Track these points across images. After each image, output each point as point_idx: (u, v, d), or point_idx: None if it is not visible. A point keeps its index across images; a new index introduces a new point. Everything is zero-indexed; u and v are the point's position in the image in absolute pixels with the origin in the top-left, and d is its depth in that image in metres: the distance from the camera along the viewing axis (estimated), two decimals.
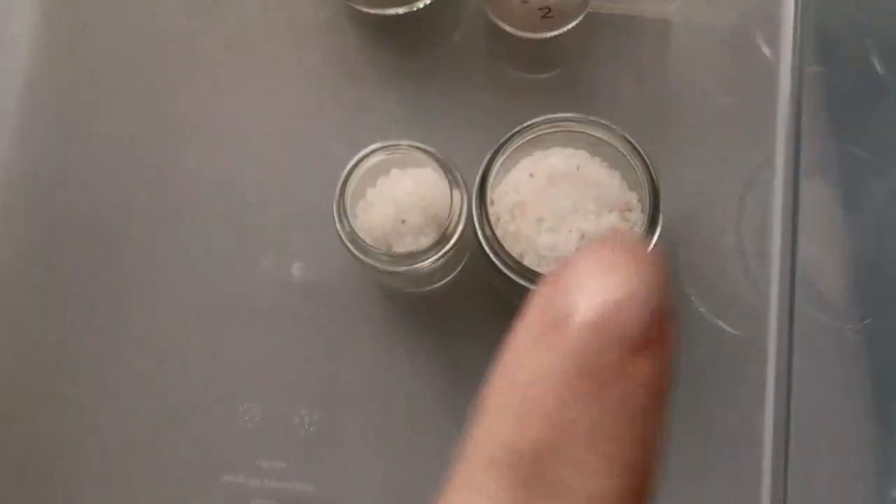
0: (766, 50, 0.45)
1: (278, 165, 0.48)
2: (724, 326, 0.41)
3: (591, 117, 0.39)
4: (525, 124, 0.39)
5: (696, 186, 0.45)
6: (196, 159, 0.48)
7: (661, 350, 0.17)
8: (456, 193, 0.40)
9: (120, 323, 0.46)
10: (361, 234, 0.41)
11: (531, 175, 0.41)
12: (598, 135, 0.39)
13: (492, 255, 0.39)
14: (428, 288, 0.45)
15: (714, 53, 0.47)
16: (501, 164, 0.41)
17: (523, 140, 0.39)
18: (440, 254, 0.39)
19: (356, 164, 0.40)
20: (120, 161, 0.48)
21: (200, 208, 0.47)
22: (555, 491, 0.16)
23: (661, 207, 0.38)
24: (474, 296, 0.45)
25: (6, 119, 0.49)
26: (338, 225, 0.40)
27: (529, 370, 0.18)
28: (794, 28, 0.39)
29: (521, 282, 0.38)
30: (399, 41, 0.49)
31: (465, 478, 0.17)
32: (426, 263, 0.39)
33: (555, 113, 0.47)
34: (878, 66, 0.40)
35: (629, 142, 0.38)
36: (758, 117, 0.42)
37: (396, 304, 0.46)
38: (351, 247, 0.41)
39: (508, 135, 0.39)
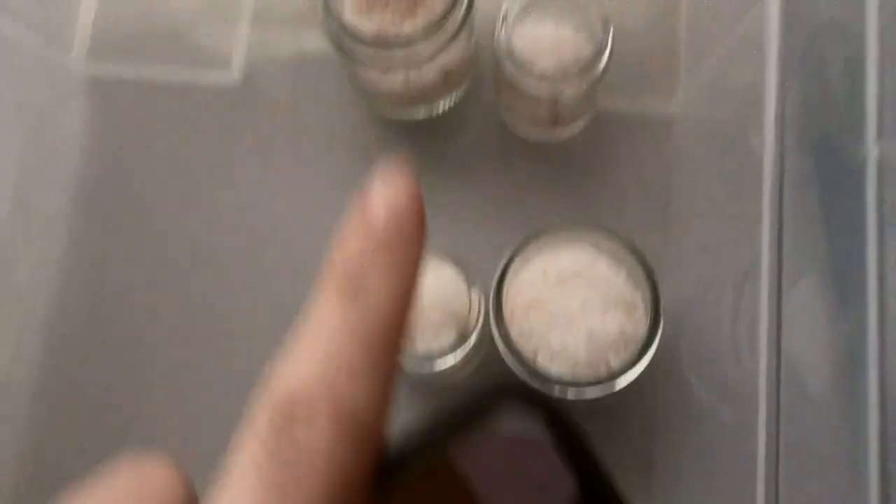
0: (754, 142, 0.47)
1: (308, 258, 0.51)
2: (721, 409, 0.44)
3: (598, 225, 0.42)
4: (538, 230, 0.42)
5: (697, 275, 0.47)
6: (234, 256, 0.52)
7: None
8: (474, 295, 0.43)
9: (161, 422, 0.50)
10: None
11: (543, 273, 0.44)
12: (606, 241, 0.42)
13: (505, 355, 0.42)
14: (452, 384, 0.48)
15: (712, 148, 0.50)
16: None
17: (536, 243, 0.43)
18: (459, 355, 0.42)
19: None
20: (164, 258, 0.52)
21: (234, 299, 0.51)
22: None
23: (664, 297, 0.41)
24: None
25: (59, 219, 0.53)
26: None
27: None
28: (777, 120, 0.40)
29: (534, 383, 0.41)
30: (419, 142, 0.53)
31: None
32: (447, 366, 0.43)
33: (564, 208, 0.50)
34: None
35: (634, 250, 0.41)
36: (750, 211, 0.44)
37: (421, 397, 0.49)
38: None
39: (523, 240, 0.42)
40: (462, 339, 0.42)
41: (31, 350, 0.51)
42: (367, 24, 0.47)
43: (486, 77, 0.52)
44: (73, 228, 0.53)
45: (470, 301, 0.43)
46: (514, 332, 0.43)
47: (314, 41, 0.54)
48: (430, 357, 0.43)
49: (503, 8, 0.45)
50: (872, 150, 0.30)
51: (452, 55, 0.46)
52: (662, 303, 0.41)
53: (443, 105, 0.52)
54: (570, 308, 0.42)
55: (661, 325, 0.40)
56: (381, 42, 0.44)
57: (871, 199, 0.30)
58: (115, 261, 0.53)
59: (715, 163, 0.49)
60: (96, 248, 0.53)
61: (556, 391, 0.40)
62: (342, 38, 0.45)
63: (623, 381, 0.40)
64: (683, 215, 0.49)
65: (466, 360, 0.44)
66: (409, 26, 0.47)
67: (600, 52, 0.44)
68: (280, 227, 0.52)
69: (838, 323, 0.39)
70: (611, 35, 0.44)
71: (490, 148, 0.52)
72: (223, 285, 0.52)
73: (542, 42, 0.47)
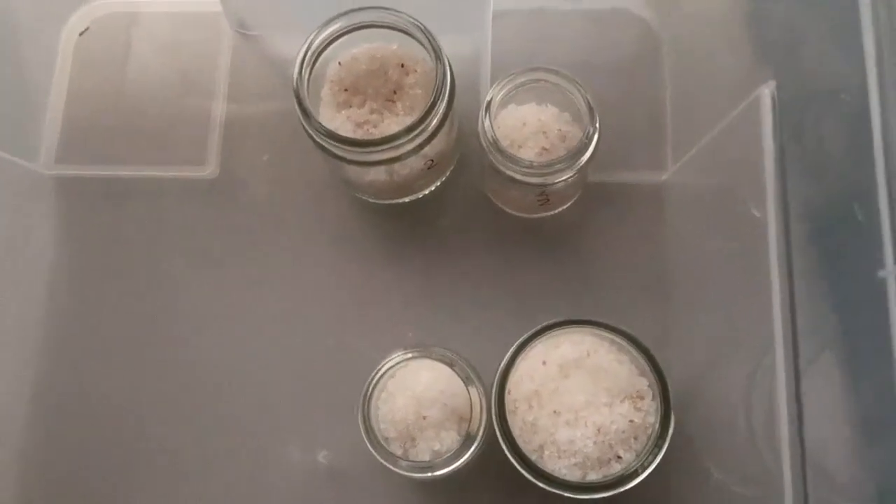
0: (755, 212, 0.46)
1: (294, 352, 0.50)
2: (741, 492, 0.43)
3: (597, 320, 0.41)
4: (538, 328, 0.41)
5: (702, 354, 0.46)
6: (214, 348, 0.50)
7: None
8: (474, 394, 0.42)
9: None
10: (384, 426, 0.42)
11: (544, 363, 0.43)
12: (607, 335, 0.41)
13: (510, 455, 0.40)
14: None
15: (707, 216, 0.49)
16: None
17: (538, 340, 0.41)
18: (463, 459, 0.41)
19: (378, 376, 0.42)
20: (143, 358, 0.50)
21: (219, 398, 0.49)
22: None
23: (669, 378, 0.40)
24: (501, 475, 0.46)
25: (31, 329, 0.51)
26: (361, 428, 0.42)
27: None
28: (778, 194, 0.39)
29: (540, 483, 0.40)
30: (404, 226, 0.51)
31: None
32: (448, 470, 0.41)
33: (559, 288, 0.49)
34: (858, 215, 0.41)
35: (636, 343, 0.40)
36: (756, 286, 0.43)
37: (425, 488, 0.47)
38: (372, 450, 0.42)
39: (526, 337, 0.41)
40: (468, 438, 0.41)
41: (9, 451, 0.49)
42: (343, 120, 0.46)
43: (468, 156, 0.51)
44: (48, 330, 0.51)
45: (471, 397, 0.42)
46: (516, 427, 0.41)
47: (291, 133, 0.53)
48: (434, 459, 0.41)
49: (487, 97, 0.44)
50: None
51: (436, 145, 0.45)
52: (670, 390, 0.40)
53: (425, 191, 0.51)
54: (576, 402, 0.41)
55: (673, 419, 0.39)
56: (362, 142, 0.43)
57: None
58: (90, 362, 0.51)
59: (711, 236, 0.48)
60: (70, 350, 0.51)
61: (566, 493, 0.39)
62: (322, 138, 0.44)
63: (637, 480, 0.38)
64: (682, 291, 0.48)
65: (469, 459, 0.42)
66: (391, 118, 0.46)
67: (588, 140, 0.43)
68: (264, 321, 0.50)
69: (855, 397, 0.38)
70: (597, 123, 0.43)
71: (479, 228, 0.51)
72: (204, 383, 0.50)
73: (527, 125, 0.46)
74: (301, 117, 0.43)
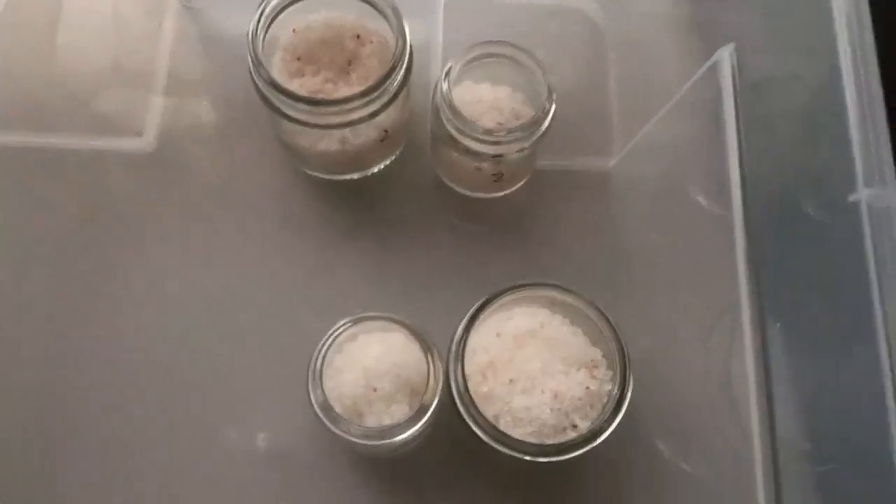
0: (701, 199, 0.48)
1: (237, 333, 0.47)
2: (693, 471, 0.43)
3: (556, 283, 0.41)
4: (497, 292, 0.41)
5: (654, 330, 0.47)
6: (153, 328, 0.47)
7: None
8: (431, 362, 0.41)
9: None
10: (331, 403, 0.41)
11: (498, 335, 0.42)
12: (567, 300, 0.41)
13: (469, 421, 0.39)
14: (402, 451, 0.45)
15: (653, 201, 0.50)
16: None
17: (493, 307, 0.41)
18: (418, 426, 0.39)
19: (330, 340, 0.41)
20: (74, 338, 0.47)
21: (157, 380, 0.46)
22: None
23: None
24: (447, 455, 0.45)
25: None
26: (311, 396, 0.40)
27: None
28: (740, 183, 0.40)
29: (496, 445, 0.39)
30: (355, 203, 0.50)
31: None
32: (404, 437, 0.39)
33: (509, 266, 0.49)
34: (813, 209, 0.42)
35: (596, 308, 0.40)
36: (708, 266, 0.44)
37: (367, 468, 0.45)
38: (324, 418, 0.40)
39: (481, 302, 0.41)
40: (421, 410, 0.40)
41: None
42: (296, 88, 0.45)
43: (419, 138, 0.51)
44: None
45: (428, 373, 0.40)
46: (471, 396, 0.40)
47: (235, 104, 0.52)
48: (385, 430, 0.40)
49: (446, 66, 0.44)
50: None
51: (390, 115, 0.45)
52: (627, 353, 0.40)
53: (377, 166, 0.50)
54: (532, 370, 0.41)
55: (631, 382, 0.39)
56: (317, 100, 0.42)
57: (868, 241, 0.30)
58: (18, 341, 0.47)
59: (658, 218, 0.49)
60: (9, 327, 0.47)
61: (526, 455, 0.38)
62: (274, 96, 0.42)
63: (598, 441, 0.38)
64: (632, 270, 0.49)
65: (422, 430, 0.41)
66: (345, 88, 0.45)
67: (545, 113, 0.43)
68: (205, 301, 0.48)
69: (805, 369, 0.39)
70: (554, 96, 0.44)
71: (429, 207, 0.50)
72: (140, 365, 0.47)
73: (483, 102, 0.46)
74: (252, 70, 0.42)
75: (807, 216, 0.38)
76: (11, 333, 0.47)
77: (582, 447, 0.38)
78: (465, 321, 0.40)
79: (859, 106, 0.29)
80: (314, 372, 0.40)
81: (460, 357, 0.39)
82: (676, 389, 0.44)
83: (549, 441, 0.39)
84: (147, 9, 0.54)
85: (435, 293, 0.48)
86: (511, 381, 0.41)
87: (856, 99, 0.30)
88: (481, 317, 0.41)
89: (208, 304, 0.48)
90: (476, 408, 0.39)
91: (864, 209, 0.29)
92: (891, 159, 0.29)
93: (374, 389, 0.41)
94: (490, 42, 0.45)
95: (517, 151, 0.44)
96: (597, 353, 0.42)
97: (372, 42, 0.46)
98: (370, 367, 0.41)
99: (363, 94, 0.42)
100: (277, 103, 0.43)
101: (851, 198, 0.30)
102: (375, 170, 0.50)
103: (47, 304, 0.47)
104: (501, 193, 0.50)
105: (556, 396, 0.40)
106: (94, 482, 0.45)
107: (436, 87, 0.44)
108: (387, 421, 0.41)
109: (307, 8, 0.45)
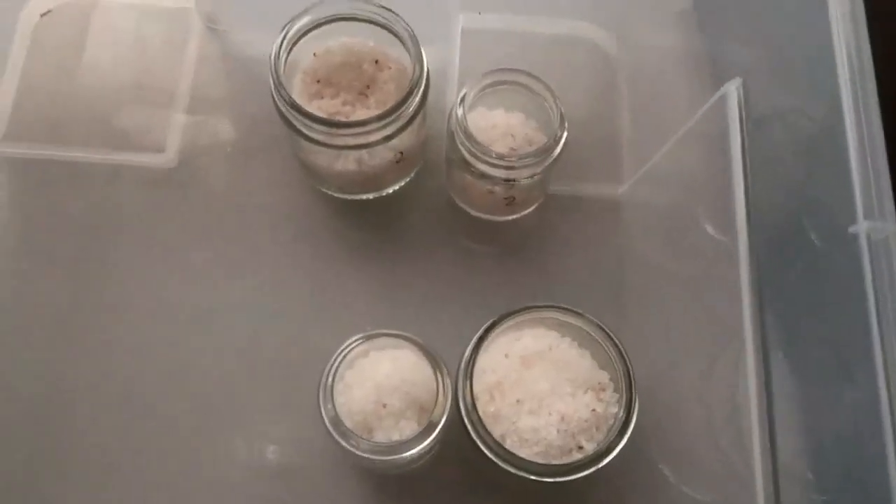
0: (708, 227, 0.48)
1: (250, 347, 0.48)
2: (697, 496, 0.43)
3: (565, 305, 0.42)
4: (506, 313, 0.42)
5: (661, 358, 0.47)
6: (167, 341, 0.48)
7: None
8: (440, 380, 0.41)
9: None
10: (341, 418, 0.41)
11: (506, 356, 0.43)
12: (574, 322, 0.42)
13: (476, 440, 0.40)
14: (409, 469, 0.45)
15: (661, 229, 0.51)
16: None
17: (503, 327, 0.42)
18: (426, 443, 0.40)
19: (342, 356, 0.41)
20: (89, 348, 0.48)
21: (169, 392, 0.47)
22: None
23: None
24: (454, 473, 0.46)
25: None
26: (322, 411, 0.41)
27: None
28: (745, 213, 0.41)
29: (503, 465, 0.39)
30: (369, 222, 0.51)
31: None
32: (412, 453, 0.40)
33: (518, 288, 0.50)
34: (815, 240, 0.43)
35: (604, 331, 0.41)
36: (713, 295, 0.45)
37: (375, 484, 0.46)
38: (334, 433, 0.41)
39: (490, 323, 0.41)
40: (430, 427, 0.40)
41: None
42: (314, 109, 0.46)
43: (434, 161, 0.52)
44: None
45: (438, 382, 0.41)
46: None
47: (255, 124, 0.53)
48: (393, 446, 0.40)
49: (462, 92, 0.45)
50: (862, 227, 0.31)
51: (405, 139, 0.46)
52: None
53: (392, 187, 0.51)
54: (540, 391, 0.41)
55: (637, 404, 0.40)
56: (335, 122, 0.44)
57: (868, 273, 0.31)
58: (33, 349, 0.48)
59: (666, 245, 0.50)
60: (14, 336, 0.48)
61: (532, 475, 0.39)
62: (294, 117, 0.44)
63: (603, 462, 0.39)
64: (639, 295, 0.49)
65: (430, 447, 0.42)
66: (362, 111, 0.47)
67: (557, 140, 0.44)
68: (218, 314, 0.49)
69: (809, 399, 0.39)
70: (566, 123, 0.45)
71: (442, 228, 0.51)
72: (153, 376, 0.47)
73: (496, 127, 0.47)
74: (273, 91, 0.43)
75: (809, 246, 0.39)
76: (22, 343, 0.48)
77: (587, 468, 0.38)
78: (474, 341, 0.41)
79: (860, 140, 0.30)
80: (325, 387, 0.41)
81: (469, 376, 0.40)
82: (681, 414, 0.44)
83: (556, 461, 0.40)
84: (172, 29, 0.56)
85: (445, 312, 0.49)
86: (518, 401, 0.41)
87: (856, 134, 0.31)
88: (490, 337, 0.42)
89: (223, 318, 0.49)
90: (483, 426, 0.40)
91: (863, 240, 0.30)
92: (890, 192, 0.30)
93: (384, 406, 0.42)
94: (505, 70, 0.46)
95: (529, 176, 0.45)
96: (604, 376, 0.42)
97: (390, 68, 0.47)
98: (380, 384, 0.42)
99: (380, 117, 0.43)
100: (297, 124, 0.44)
101: (851, 229, 0.31)
102: (390, 190, 0.51)
103: (63, 317, 0.49)
104: (513, 217, 0.51)
105: (563, 418, 0.41)
106: (103, 496, 0.45)
107: (451, 111, 0.46)
108: (396, 437, 0.41)
109: (328, 33, 0.47)
